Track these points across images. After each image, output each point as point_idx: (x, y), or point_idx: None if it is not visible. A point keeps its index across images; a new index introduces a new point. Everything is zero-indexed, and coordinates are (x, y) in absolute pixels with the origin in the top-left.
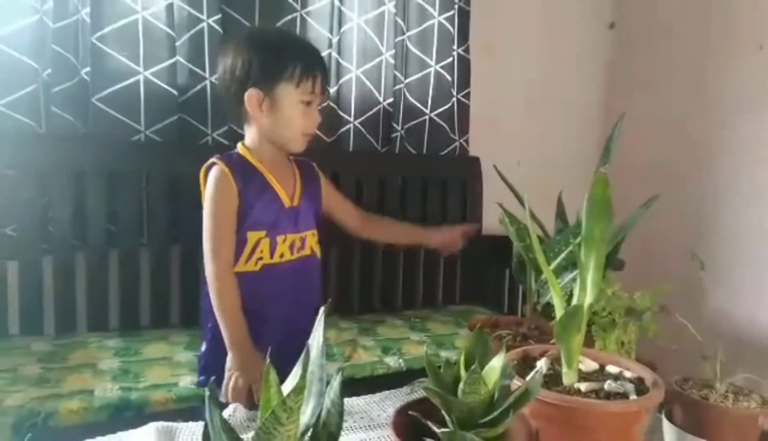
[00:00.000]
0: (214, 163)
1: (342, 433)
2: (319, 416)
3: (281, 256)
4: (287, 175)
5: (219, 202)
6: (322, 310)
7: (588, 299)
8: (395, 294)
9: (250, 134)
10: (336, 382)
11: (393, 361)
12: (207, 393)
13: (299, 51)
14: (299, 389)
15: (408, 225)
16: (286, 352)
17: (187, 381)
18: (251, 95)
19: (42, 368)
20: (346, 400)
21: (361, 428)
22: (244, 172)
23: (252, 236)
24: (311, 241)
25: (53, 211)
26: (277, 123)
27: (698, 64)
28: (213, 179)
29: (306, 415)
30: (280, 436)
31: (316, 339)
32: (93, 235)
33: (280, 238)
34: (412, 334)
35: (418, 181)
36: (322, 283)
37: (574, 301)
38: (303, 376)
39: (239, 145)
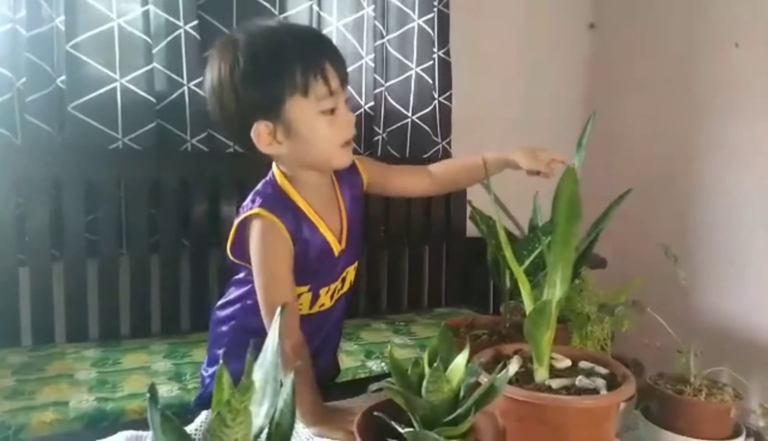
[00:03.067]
0: (254, 216)
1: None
2: (273, 417)
3: (321, 305)
4: (333, 206)
5: (276, 263)
6: (279, 310)
7: (557, 295)
8: (380, 298)
9: (281, 161)
10: (289, 381)
11: (375, 365)
12: (147, 395)
13: (292, 46)
14: (244, 389)
15: (489, 154)
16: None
17: (165, 390)
18: (259, 132)
19: (16, 380)
20: (326, 404)
21: None
22: (291, 214)
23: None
24: (350, 276)
25: (30, 221)
26: (304, 148)
27: (677, 62)
28: (261, 238)
29: (260, 417)
30: (227, 439)
31: (271, 339)
32: (71, 245)
33: (323, 291)
34: (396, 337)
35: None
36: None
37: (544, 298)
38: (249, 375)
39: (275, 170)
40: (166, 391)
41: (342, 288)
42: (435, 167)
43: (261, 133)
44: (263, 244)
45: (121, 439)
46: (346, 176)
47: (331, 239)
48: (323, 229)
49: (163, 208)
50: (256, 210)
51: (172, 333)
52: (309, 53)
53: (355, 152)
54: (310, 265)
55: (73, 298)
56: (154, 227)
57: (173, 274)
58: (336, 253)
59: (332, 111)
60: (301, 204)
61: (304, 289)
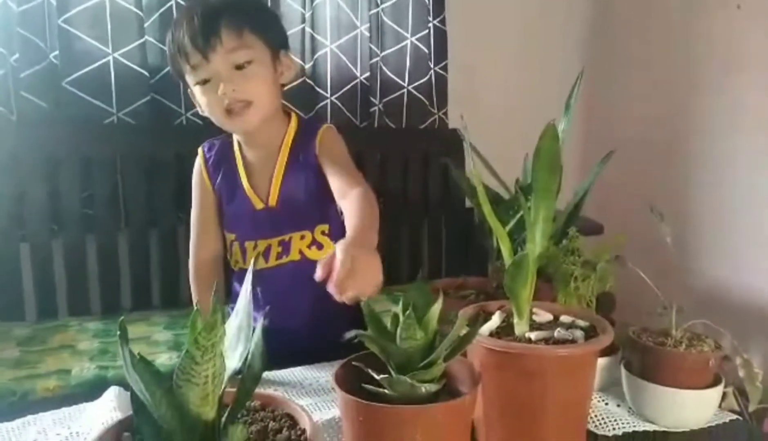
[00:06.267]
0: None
1: (308, 395)
2: (246, 359)
3: (254, 262)
4: (267, 168)
5: (195, 198)
6: (253, 260)
7: (537, 250)
8: None
9: None
10: (259, 325)
11: None
12: (118, 331)
13: (174, 37)
14: (210, 327)
15: (352, 224)
16: (277, 360)
17: (165, 358)
18: (190, 94)
19: (21, 351)
20: (316, 366)
21: (326, 391)
22: (221, 163)
23: (227, 237)
24: (299, 244)
25: (28, 197)
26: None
27: (678, 26)
28: (194, 176)
29: (235, 360)
30: (197, 376)
31: (245, 288)
32: (70, 221)
33: (249, 245)
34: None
35: (398, 156)
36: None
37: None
38: (214, 313)
39: None
40: (166, 358)
41: (286, 254)
42: (344, 202)
43: (191, 95)
44: (193, 186)
45: (112, 394)
46: (304, 142)
47: (251, 194)
48: (245, 184)
49: (160, 182)
50: (200, 148)
51: (172, 305)
52: (177, 28)
53: (351, 123)
54: (232, 212)
55: (73, 272)
56: (151, 201)
57: (173, 246)
58: (257, 208)
59: (206, 81)
60: (237, 158)
61: (232, 236)
